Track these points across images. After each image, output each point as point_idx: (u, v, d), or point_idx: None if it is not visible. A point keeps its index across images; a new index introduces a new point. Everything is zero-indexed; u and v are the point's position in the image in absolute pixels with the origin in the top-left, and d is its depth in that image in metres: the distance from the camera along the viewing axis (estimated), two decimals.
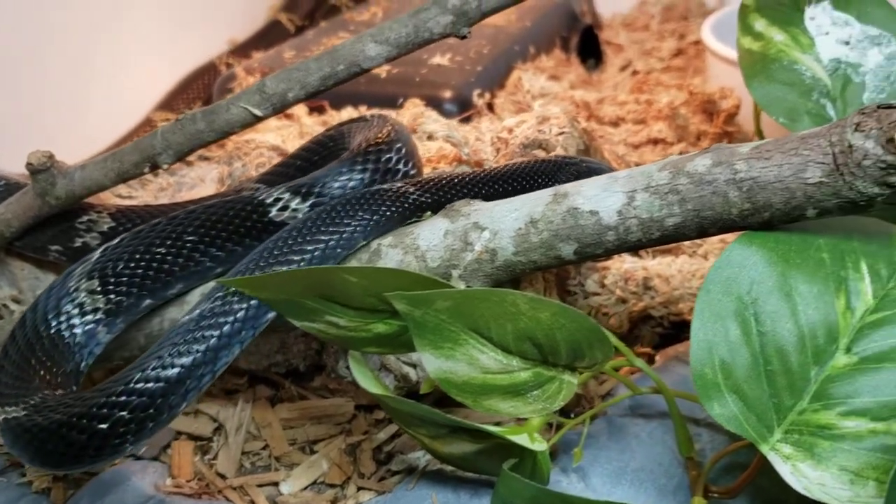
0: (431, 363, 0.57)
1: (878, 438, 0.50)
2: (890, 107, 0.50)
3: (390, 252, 0.63)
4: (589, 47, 1.44)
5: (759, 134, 0.84)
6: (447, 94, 1.08)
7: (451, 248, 0.61)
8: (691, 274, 0.81)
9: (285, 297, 0.59)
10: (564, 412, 0.72)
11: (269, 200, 0.69)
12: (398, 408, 0.61)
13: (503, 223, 0.60)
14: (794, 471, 0.51)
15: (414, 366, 0.73)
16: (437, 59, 1.15)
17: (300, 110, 1.07)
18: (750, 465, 0.59)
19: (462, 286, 0.62)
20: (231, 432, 0.77)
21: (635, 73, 1.41)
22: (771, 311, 0.54)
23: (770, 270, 0.54)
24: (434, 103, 1.06)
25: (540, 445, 0.58)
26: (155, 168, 0.74)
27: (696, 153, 0.57)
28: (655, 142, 0.99)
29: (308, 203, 0.68)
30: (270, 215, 0.68)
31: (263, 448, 0.76)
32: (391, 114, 1.06)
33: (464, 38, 0.66)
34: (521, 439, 0.58)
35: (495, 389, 0.58)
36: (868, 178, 0.50)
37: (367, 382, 0.61)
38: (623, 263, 0.82)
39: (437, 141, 0.87)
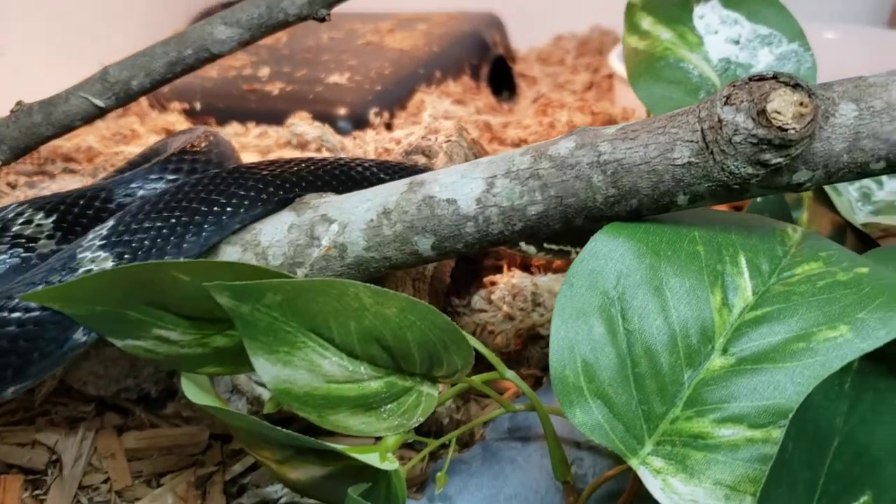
0: (267, 371, 0.49)
1: (755, 447, 0.44)
2: (762, 78, 0.45)
3: (227, 249, 0.56)
4: (503, 79, 1.41)
5: None
6: (341, 111, 1.03)
7: (295, 243, 0.54)
8: None
9: (102, 308, 0.51)
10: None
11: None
12: (239, 426, 0.53)
13: (354, 215, 0.53)
14: (664, 486, 0.44)
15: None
16: (335, 78, 1.10)
17: (180, 125, 1.01)
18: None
19: None
20: (68, 464, 0.68)
21: (546, 105, 1.38)
22: (639, 308, 0.48)
23: (638, 263, 0.49)
24: (328, 120, 1.01)
25: (391, 465, 0.51)
26: None
27: (561, 136, 0.51)
28: None
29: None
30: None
31: (104, 482, 0.67)
32: (279, 129, 1.00)
33: (322, 20, 0.60)
34: (370, 458, 0.51)
35: (343, 402, 0.51)
36: (740, 155, 0.45)
37: (198, 395, 0.53)
38: (512, 279, 0.76)
39: (309, 149, 0.82)
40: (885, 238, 0.68)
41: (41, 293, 0.51)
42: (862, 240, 0.66)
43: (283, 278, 0.48)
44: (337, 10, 1.61)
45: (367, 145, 0.83)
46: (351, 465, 0.52)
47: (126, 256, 0.54)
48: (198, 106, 1.07)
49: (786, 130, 0.44)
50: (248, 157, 0.89)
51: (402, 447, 0.63)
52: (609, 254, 0.49)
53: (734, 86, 0.46)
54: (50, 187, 0.87)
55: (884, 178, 0.73)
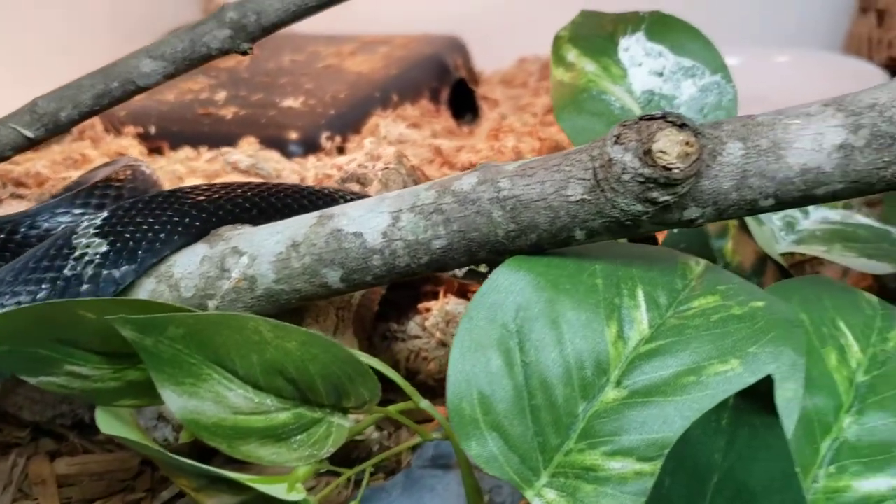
0: (174, 402, 0.50)
1: (643, 481, 0.45)
2: (652, 118, 0.46)
3: (144, 281, 0.56)
4: (465, 102, 1.42)
5: None
6: (293, 135, 1.04)
7: (206, 275, 0.55)
8: None
9: (9, 347, 0.51)
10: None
11: None
12: (149, 455, 0.54)
13: (263, 247, 0.54)
14: None
15: None
16: (289, 102, 1.11)
17: (133, 149, 1.02)
18: None
19: None
20: None
21: (507, 129, 1.39)
22: (536, 340, 0.49)
23: (537, 296, 0.50)
24: (278, 145, 1.02)
25: (298, 495, 0.52)
26: None
27: (464, 172, 0.52)
28: None
29: None
30: None
31: None
32: (233, 152, 1.01)
33: (245, 53, 0.61)
34: (276, 490, 0.52)
35: (251, 433, 0.52)
36: (629, 193, 0.46)
37: (113, 427, 0.54)
38: (446, 305, 0.77)
39: (240, 174, 0.82)
40: (799, 265, 0.69)
41: None
42: (782, 270, 0.67)
43: (184, 312, 0.49)
44: (302, 32, 1.62)
45: (307, 171, 0.84)
46: (262, 496, 0.53)
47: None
48: (152, 130, 1.08)
49: (670, 169, 0.45)
50: (195, 182, 0.90)
51: (325, 475, 0.64)
52: (509, 287, 0.50)
53: (624, 125, 0.47)
54: None
55: (810, 207, 0.74)
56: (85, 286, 0.55)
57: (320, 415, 0.53)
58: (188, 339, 0.48)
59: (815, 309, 0.53)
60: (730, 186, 0.47)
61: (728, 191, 0.47)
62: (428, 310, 0.78)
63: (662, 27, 0.71)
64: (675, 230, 0.66)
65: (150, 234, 0.55)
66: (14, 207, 0.89)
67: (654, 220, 0.48)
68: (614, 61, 0.70)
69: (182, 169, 0.94)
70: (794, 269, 0.75)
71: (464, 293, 0.81)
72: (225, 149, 0.97)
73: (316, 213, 0.54)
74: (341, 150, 1.07)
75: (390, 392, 0.55)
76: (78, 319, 0.50)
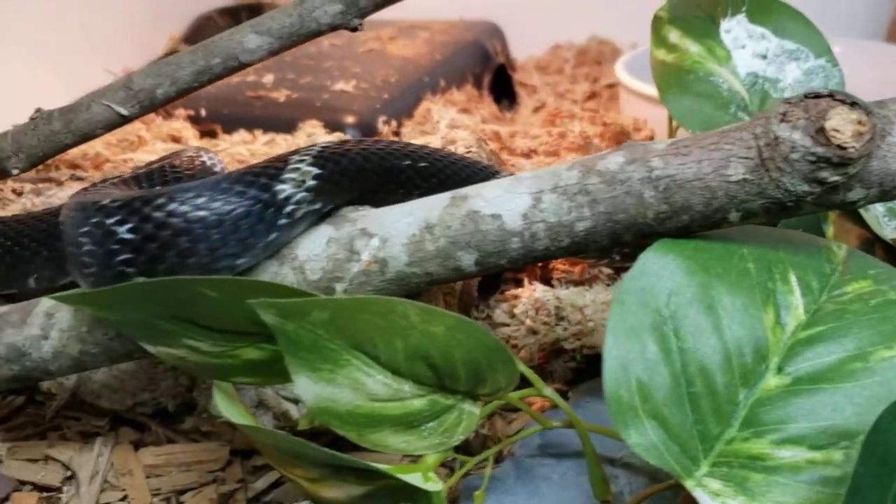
0: (309, 389, 0.48)
1: (816, 469, 0.44)
2: (817, 96, 0.45)
3: (265, 264, 0.54)
4: (503, 87, 1.41)
5: None
6: (350, 119, 1.02)
7: (334, 257, 0.53)
8: (605, 304, 0.74)
9: (134, 315, 0.50)
10: (468, 454, 0.64)
11: None
12: (270, 443, 0.52)
13: (395, 229, 0.52)
14: None
15: (296, 401, 0.64)
16: (341, 86, 1.09)
17: (186, 132, 0.99)
18: None
19: None
20: (84, 481, 0.66)
21: (550, 114, 1.38)
22: (692, 326, 0.47)
23: (689, 280, 0.48)
24: (336, 129, 1.00)
25: (434, 485, 0.50)
26: (4, 176, 0.65)
27: (608, 151, 0.51)
28: None
29: None
30: None
31: (122, 499, 0.65)
32: (288, 137, 0.99)
33: (355, 30, 0.59)
34: (413, 478, 0.50)
35: (385, 420, 0.50)
36: (796, 173, 0.45)
37: (232, 412, 0.52)
38: (534, 292, 0.75)
39: None
40: None
41: (73, 296, 0.50)
42: (891, 254, 0.66)
43: (317, 297, 0.47)
44: None
45: None
46: (391, 485, 0.51)
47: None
48: (203, 112, 1.05)
49: (845, 149, 0.44)
50: None
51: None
52: (659, 271, 0.48)
53: (789, 103, 0.45)
54: (58, 195, 0.85)
55: None
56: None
57: (452, 401, 0.51)
58: (330, 323, 0.47)
59: None
60: None
61: (895, 172, 0.46)
62: (515, 297, 0.76)
63: (764, 9, 0.69)
64: None
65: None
66: (75, 189, 0.86)
67: (817, 202, 0.46)
68: (717, 42, 0.69)
69: (244, 152, 0.92)
70: None
71: (548, 280, 0.80)
72: (299, 129, 0.95)
73: (448, 194, 0.53)
74: (397, 135, 1.05)
75: None
76: (198, 297, 0.48)
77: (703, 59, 0.67)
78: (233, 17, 1.57)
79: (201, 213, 0.50)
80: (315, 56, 1.25)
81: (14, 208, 0.85)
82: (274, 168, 0.53)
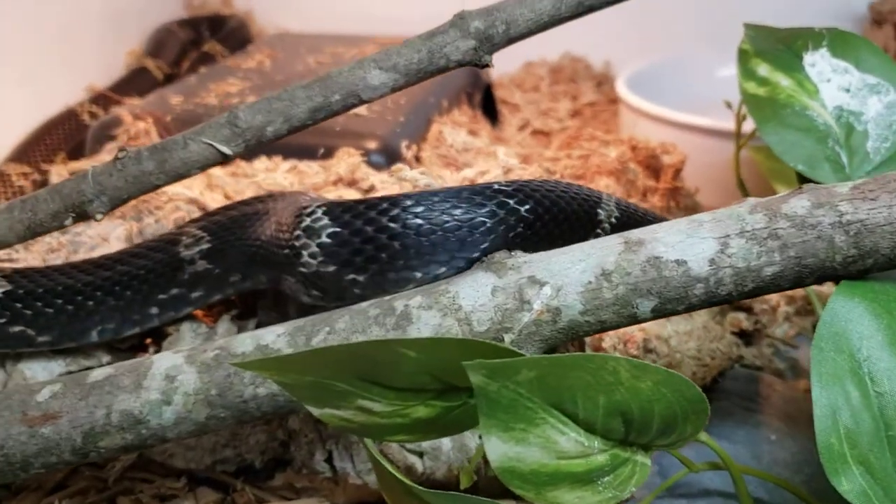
0: (496, 449, 0.46)
1: None
2: None
3: (423, 315, 0.51)
4: (486, 105, 1.40)
5: (741, 183, 0.80)
6: (373, 144, 0.98)
7: (502, 307, 0.51)
8: (687, 335, 0.74)
9: (311, 378, 0.46)
10: None
11: None
12: (427, 498, 0.49)
13: (567, 276, 0.50)
14: None
15: (421, 455, 0.61)
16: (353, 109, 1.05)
17: None
18: None
19: None
20: None
21: (536, 132, 1.38)
22: (886, 370, 0.48)
23: (877, 324, 0.49)
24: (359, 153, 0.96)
25: None
26: (82, 219, 0.59)
27: (786, 194, 0.51)
28: None
29: None
30: None
31: None
32: (312, 164, 0.94)
33: (485, 67, 0.57)
34: None
35: (567, 478, 0.48)
36: None
37: (394, 473, 0.49)
38: None
39: (403, 190, 0.77)
40: None
41: (259, 362, 0.46)
42: None
43: (519, 355, 0.45)
44: (311, 30, 1.54)
45: (445, 182, 0.79)
46: None
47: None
48: None
49: None
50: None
51: None
52: (848, 315, 0.49)
53: None
54: (87, 232, 0.78)
55: None
56: None
57: (629, 454, 0.50)
58: (535, 382, 0.45)
59: None
60: None
61: None
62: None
63: (844, 44, 0.71)
64: None
65: None
66: (106, 226, 0.79)
67: None
68: (805, 76, 0.70)
69: (281, 179, 0.87)
70: None
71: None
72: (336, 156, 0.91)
73: (618, 238, 0.51)
74: (418, 160, 1.02)
75: None
76: (398, 358, 0.45)
77: (796, 93, 0.68)
78: (193, 28, 1.50)
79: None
80: (307, 75, 1.19)
81: (38, 248, 0.78)
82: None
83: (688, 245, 0.50)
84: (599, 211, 0.60)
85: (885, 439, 0.47)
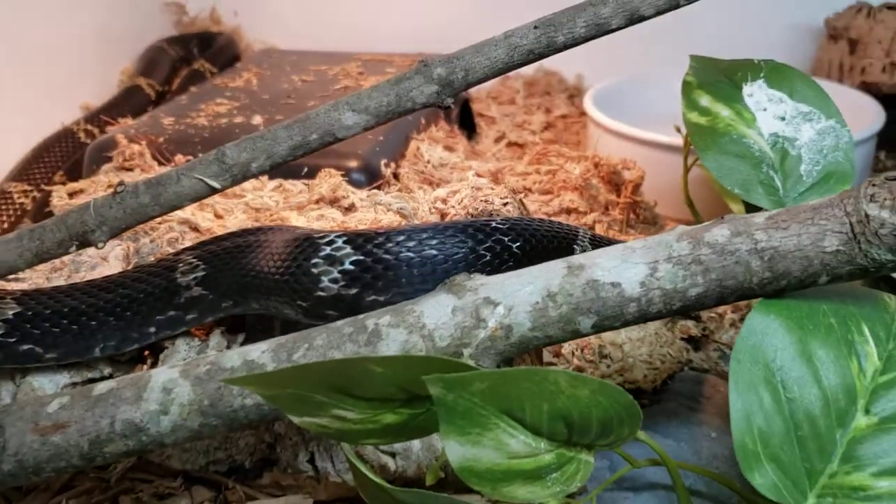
0: (455, 451, 0.52)
1: None
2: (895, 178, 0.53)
3: (392, 332, 0.58)
4: (463, 118, 1.46)
5: (689, 202, 0.87)
6: (354, 163, 1.04)
7: (461, 325, 0.57)
8: (640, 341, 0.81)
9: (292, 391, 0.53)
10: None
11: None
12: (407, 500, 0.56)
13: (518, 297, 0.57)
14: None
15: (393, 455, 0.68)
16: None
17: None
18: None
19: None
20: None
21: (511, 144, 1.44)
22: (797, 378, 0.55)
23: (790, 337, 0.56)
24: (340, 173, 1.02)
25: None
26: (85, 246, 0.66)
27: (708, 224, 0.57)
28: (569, 211, 1.01)
29: None
30: None
31: None
32: (296, 183, 1.01)
33: (447, 108, 0.64)
34: None
35: (518, 475, 0.55)
36: (883, 245, 0.53)
37: (367, 473, 0.56)
38: None
39: (378, 213, 0.84)
40: None
41: (247, 378, 0.52)
42: None
43: (474, 369, 0.51)
44: (296, 48, 1.60)
45: (420, 206, 0.85)
46: None
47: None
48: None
49: None
50: (295, 218, 0.89)
51: None
52: (764, 330, 0.55)
53: (874, 184, 0.53)
54: (87, 252, 0.84)
55: None
56: None
57: (574, 453, 0.56)
58: (487, 392, 0.51)
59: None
60: None
61: None
62: None
63: (779, 75, 0.78)
64: None
65: None
66: (105, 246, 0.86)
67: (894, 266, 0.54)
68: (743, 106, 0.77)
69: (269, 200, 0.94)
70: None
71: None
72: (318, 176, 0.98)
73: (562, 263, 0.58)
74: (396, 177, 1.09)
75: None
76: (367, 373, 0.52)
77: (734, 122, 0.75)
78: (183, 46, 1.56)
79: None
80: (294, 94, 1.26)
81: (42, 267, 0.84)
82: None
83: (622, 269, 0.56)
84: (575, 247, 0.69)
85: (795, 439, 0.54)
